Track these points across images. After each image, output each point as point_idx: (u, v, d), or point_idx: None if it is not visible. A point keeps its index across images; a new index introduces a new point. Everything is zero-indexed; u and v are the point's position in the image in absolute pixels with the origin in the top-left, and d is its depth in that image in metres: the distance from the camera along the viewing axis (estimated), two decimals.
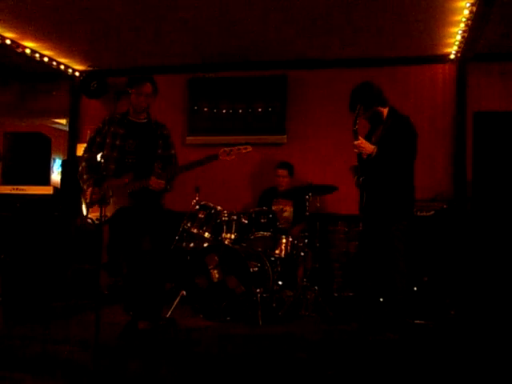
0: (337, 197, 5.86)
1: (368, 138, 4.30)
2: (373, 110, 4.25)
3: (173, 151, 4.37)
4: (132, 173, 4.10)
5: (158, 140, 4.27)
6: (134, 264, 4.12)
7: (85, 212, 4.17)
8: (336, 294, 6.07)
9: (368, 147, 4.12)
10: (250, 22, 5.42)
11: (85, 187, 4.17)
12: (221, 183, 6.46)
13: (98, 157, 4.27)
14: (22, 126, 8.46)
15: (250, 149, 4.37)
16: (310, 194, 5.34)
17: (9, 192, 5.58)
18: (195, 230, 5.13)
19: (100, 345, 3.32)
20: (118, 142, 4.17)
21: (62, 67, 6.84)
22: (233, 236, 5.16)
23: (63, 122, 8.32)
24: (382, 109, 4.29)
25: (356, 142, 4.11)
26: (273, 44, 6.04)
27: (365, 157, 4.18)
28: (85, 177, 4.20)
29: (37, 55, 6.37)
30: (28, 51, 6.24)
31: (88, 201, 4.11)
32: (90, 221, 4.04)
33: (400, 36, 5.67)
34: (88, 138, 4.42)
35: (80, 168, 4.30)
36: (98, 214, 3.82)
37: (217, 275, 4.93)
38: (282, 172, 5.95)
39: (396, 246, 4.14)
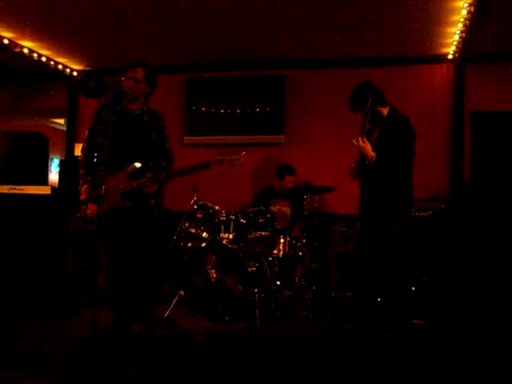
0: (335, 197, 5.88)
1: (367, 138, 4.31)
2: (374, 110, 4.25)
3: (167, 144, 4.14)
4: (127, 172, 3.92)
5: (151, 133, 4.04)
6: (117, 266, 4.00)
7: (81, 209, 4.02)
8: (334, 294, 6.08)
9: (368, 152, 4.12)
10: (249, 22, 5.43)
11: (80, 183, 4.01)
12: (219, 183, 6.45)
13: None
14: (19, 126, 8.45)
15: (242, 161, 3.93)
16: (308, 194, 5.35)
17: (6, 192, 5.56)
18: (193, 230, 5.13)
19: (97, 345, 3.32)
20: (109, 131, 3.86)
21: (60, 67, 6.83)
22: (231, 236, 5.16)
23: (61, 121, 8.31)
24: (382, 108, 4.30)
25: (360, 144, 4.11)
26: (271, 44, 6.04)
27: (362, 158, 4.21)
28: (81, 172, 4.04)
29: (35, 55, 6.37)
30: (26, 51, 6.23)
31: (81, 198, 3.95)
32: (87, 218, 3.92)
33: (398, 36, 5.67)
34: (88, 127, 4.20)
35: (80, 160, 4.12)
36: (91, 211, 3.78)
37: (215, 275, 4.93)
38: (291, 179, 5.89)
39: (394, 245, 4.15)
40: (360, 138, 4.12)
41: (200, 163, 3.96)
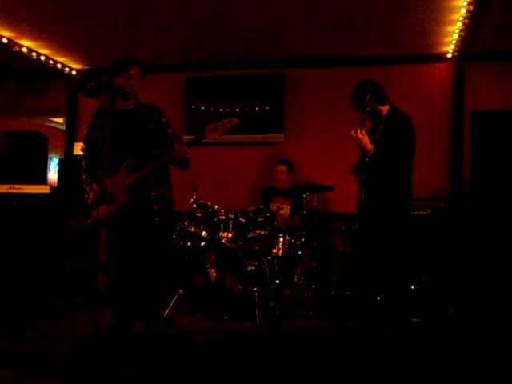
0: (334, 196, 5.88)
1: (369, 136, 4.31)
2: (374, 107, 4.24)
3: (170, 130, 4.04)
4: (127, 168, 3.89)
5: (148, 125, 3.98)
6: (121, 265, 3.99)
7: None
8: (333, 293, 6.07)
9: (366, 144, 4.11)
10: (248, 20, 5.42)
11: (85, 188, 4.00)
12: (218, 182, 6.46)
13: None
14: (18, 125, 8.45)
15: (234, 121, 3.94)
16: (307, 193, 5.36)
17: (5, 191, 5.56)
18: (192, 229, 5.13)
19: (97, 344, 3.32)
20: (107, 135, 3.89)
21: (59, 66, 6.83)
22: (230, 235, 5.16)
23: (60, 120, 8.31)
24: (382, 107, 4.30)
25: (358, 135, 4.09)
26: (270, 43, 6.04)
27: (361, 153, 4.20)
28: (84, 177, 4.04)
29: (33, 54, 6.36)
30: (25, 50, 6.22)
31: (88, 202, 3.93)
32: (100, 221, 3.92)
33: (397, 35, 5.67)
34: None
35: (82, 166, 4.12)
36: (102, 214, 3.78)
37: (214, 274, 4.93)
38: (280, 168, 5.90)
39: (393, 244, 4.15)
40: (358, 130, 4.11)
41: (194, 136, 3.97)
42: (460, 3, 4.84)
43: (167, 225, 4.17)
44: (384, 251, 4.17)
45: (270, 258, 5.27)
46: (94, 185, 3.90)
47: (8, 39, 5.95)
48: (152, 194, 3.98)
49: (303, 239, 5.31)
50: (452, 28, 5.40)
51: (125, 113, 4.01)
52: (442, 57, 6.12)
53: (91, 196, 3.92)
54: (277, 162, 5.98)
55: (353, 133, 4.12)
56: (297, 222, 5.58)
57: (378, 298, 4.30)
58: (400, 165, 4.19)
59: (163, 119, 4.06)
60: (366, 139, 4.11)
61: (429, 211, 5.39)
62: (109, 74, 4.01)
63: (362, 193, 4.25)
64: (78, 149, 6.95)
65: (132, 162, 3.90)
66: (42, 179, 6.49)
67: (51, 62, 6.68)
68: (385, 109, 4.31)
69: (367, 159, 4.15)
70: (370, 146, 4.11)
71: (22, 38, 6.01)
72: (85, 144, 4.14)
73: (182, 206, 5.28)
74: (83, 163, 4.12)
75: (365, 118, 4.15)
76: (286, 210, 5.89)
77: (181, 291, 4.98)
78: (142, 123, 3.98)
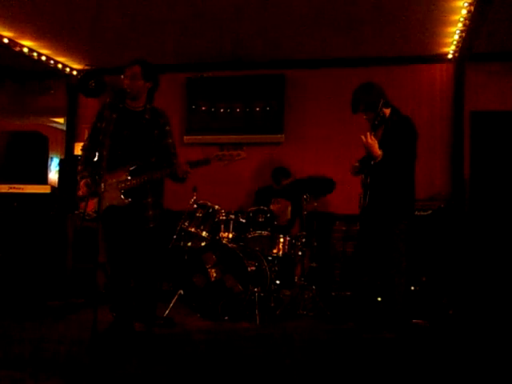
0: (334, 196, 5.87)
1: None
2: (382, 111, 4.22)
3: (170, 140, 4.06)
4: (128, 170, 3.90)
5: (153, 130, 3.99)
6: (117, 266, 3.98)
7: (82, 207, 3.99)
8: (334, 294, 6.07)
9: (376, 150, 4.07)
10: (249, 21, 5.43)
11: (78, 179, 4.00)
12: (218, 182, 6.45)
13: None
14: (19, 125, 8.45)
15: (243, 155, 3.98)
16: (307, 194, 5.34)
17: (6, 191, 5.56)
18: (193, 229, 5.12)
19: (97, 344, 3.32)
20: (111, 128, 3.87)
21: (60, 66, 6.83)
22: (230, 235, 5.16)
23: (61, 120, 8.32)
24: (385, 109, 4.29)
25: (369, 140, 4.06)
26: (271, 43, 6.04)
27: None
28: (79, 168, 4.03)
29: (34, 54, 6.37)
30: (26, 50, 6.23)
31: (78, 194, 3.94)
32: (86, 215, 3.90)
33: (398, 35, 5.67)
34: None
35: (80, 157, 4.13)
36: (89, 208, 3.78)
37: (214, 274, 4.93)
38: (288, 181, 5.86)
39: (397, 245, 4.14)
40: (368, 135, 4.09)
41: (199, 159, 3.95)
42: (461, 4, 4.85)
43: (160, 230, 4.15)
44: (388, 252, 4.17)
45: (270, 258, 5.26)
46: (88, 181, 3.90)
47: (9, 39, 5.95)
48: (149, 199, 3.99)
49: (304, 240, 5.30)
50: (453, 29, 5.40)
51: (131, 113, 4.03)
52: (442, 57, 6.13)
53: (81, 187, 3.92)
54: (280, 175, 5.94)
55: (363, 137, 4.11)
56: (296, 228, 5.58)
57: (379, 299, 4.30)
58: (404, 167, 4.19)
59: (167, 127, 4.07)
60: (376, 144, 4.09)
61: (429, 212, 5.39)
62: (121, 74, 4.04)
63: (367, 195, 4.24)
64: (78, 149, 6.96)
65: (135, 165, 3.90)
66: (43, 179, 6.49)
67: (52, 62, 6.68)
68: (387, 111, 4.30)
69: (372, 163, 4.13)
70: (379, 152, 4.09)
71: (22, 38, 6.01)
72: (90, 133, 4.12)
73: (182, 206, 5.28)
74: (82, 153, 4.12)
75: (377, 123, 4.13)
76: (287, 210, 5.88)
77: (181, 291, 4.98)
78: (146, 128, 3.99)
